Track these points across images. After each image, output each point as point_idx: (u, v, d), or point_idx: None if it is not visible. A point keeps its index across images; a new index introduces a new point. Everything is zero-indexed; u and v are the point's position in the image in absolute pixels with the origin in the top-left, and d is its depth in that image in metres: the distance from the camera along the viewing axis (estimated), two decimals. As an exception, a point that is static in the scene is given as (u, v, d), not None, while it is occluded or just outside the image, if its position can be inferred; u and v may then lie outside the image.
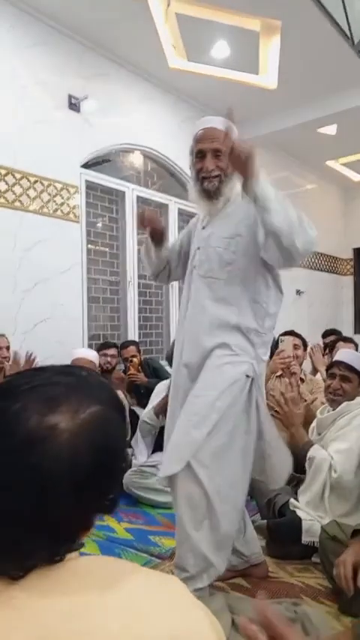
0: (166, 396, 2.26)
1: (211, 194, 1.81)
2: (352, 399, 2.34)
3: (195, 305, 1.83)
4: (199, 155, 1.81)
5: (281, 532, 2.17)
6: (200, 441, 1.64)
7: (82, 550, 0.63)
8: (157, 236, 2.06)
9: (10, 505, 0.55)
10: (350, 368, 2.36)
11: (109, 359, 3.75)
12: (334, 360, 2.51)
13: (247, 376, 1.74)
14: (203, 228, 1.91)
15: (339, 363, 2.40)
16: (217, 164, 1.78)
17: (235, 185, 1.80)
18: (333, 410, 2.37)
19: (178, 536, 1.71)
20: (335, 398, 2.36)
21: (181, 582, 0.61)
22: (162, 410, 2.80)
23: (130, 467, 3.09)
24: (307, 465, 2.25)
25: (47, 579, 0.56)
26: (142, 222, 2.01)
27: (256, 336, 1.78)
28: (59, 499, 0.56)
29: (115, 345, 3.89)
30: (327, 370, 2.52)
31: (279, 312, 1.88)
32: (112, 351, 3.80)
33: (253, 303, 1.78)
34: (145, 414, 3.16)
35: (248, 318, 1.77)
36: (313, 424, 2.49)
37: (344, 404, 2.32)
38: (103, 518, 2.66)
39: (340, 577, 1.60)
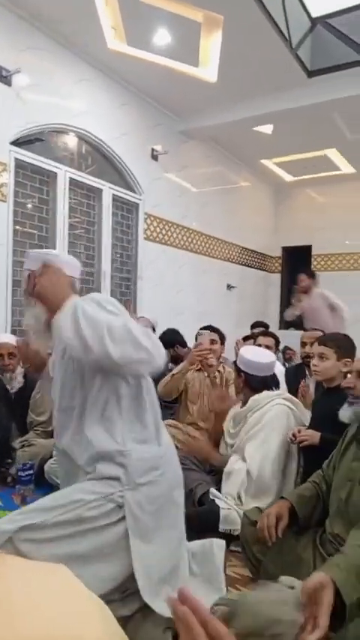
0: None
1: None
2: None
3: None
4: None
5: (200, 521, 2.18)
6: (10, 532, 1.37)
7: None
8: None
9: None
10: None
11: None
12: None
13: (113, 502, 1.44)
14: None
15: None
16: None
17: None
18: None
19: None
20: (239, 393, 2.54)
21: (70, 571, 0.58)
22: None
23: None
24: (224, 477, 2.32)
25: None
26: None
27: (123, 457, 1.47)
28: None
29: None
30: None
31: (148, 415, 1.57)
32: None
33: (104, 421, 1.50)
34: None
35: (103, 440, 1.49)
36: (231, 414, 2.56)
37: (251, 399, 2.40)
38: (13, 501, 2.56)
39: (262, 527, 1.72)
